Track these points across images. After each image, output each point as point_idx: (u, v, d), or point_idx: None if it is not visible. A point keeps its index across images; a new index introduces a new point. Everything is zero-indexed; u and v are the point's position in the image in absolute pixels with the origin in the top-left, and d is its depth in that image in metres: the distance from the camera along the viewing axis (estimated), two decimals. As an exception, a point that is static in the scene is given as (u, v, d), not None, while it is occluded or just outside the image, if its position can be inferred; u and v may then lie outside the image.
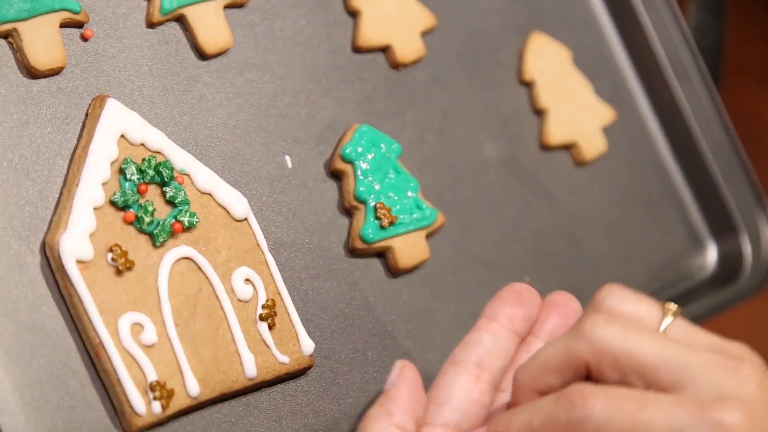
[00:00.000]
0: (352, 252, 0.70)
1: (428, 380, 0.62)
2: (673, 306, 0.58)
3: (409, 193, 0.71)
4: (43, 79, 0.64)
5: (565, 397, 0.55)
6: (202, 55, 0.68)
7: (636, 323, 0.57)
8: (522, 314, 0.61)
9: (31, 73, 0.63)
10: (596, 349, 0.56)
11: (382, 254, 0.71)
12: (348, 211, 0.70)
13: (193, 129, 0.67)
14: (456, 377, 0.60)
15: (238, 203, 0.66)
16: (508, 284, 0.62)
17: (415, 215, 0.71)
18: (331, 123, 0.71)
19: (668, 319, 0.57)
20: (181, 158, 0.65)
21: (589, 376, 0.57)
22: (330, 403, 0.67)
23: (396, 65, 0.74)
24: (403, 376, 0.59)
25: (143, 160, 0.64)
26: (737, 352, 0.56)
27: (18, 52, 0.63)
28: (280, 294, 0.67)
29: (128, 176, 0.63)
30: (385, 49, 0.74)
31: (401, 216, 0.70)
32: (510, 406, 0.60)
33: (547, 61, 0.79)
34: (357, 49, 0.73)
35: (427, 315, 0.71)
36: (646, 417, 0.54)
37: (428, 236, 0.72)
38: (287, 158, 0.69)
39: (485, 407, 0.60)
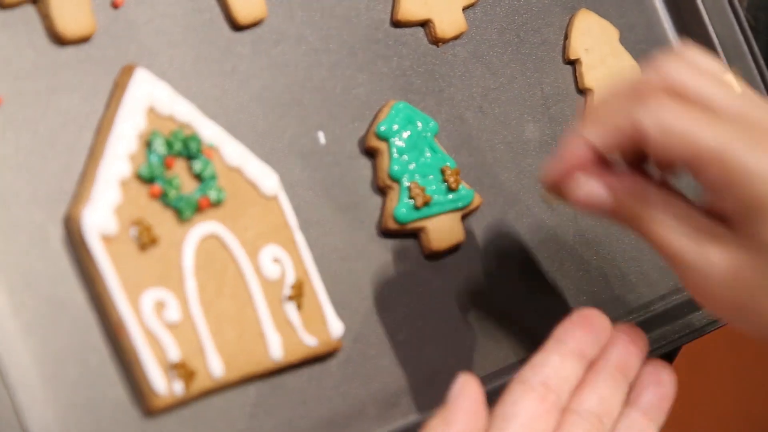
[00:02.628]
0: (385, 232, 0.68)
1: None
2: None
3: (446, 173, 0.69)
4: (71, 47, 0.62)
5: (638, 95, 0.58)
6: (236, 26, 0.66)
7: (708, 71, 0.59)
8: (590, 338, 0.62)
9: (59, 40, 0.62)
10: (668, 81, 0.58)
11: (416, 235, 0.69)
12: (381, 190, 0.69)
13: (224, 102, 0.65)
14: (522, 395, 0.60)
15: (267, 179, 0.64)
16: (578, 309, 0.62)
17: (450, 196, 0.69)
18: (366, 99, 0.69)
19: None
20: (210, 131, 0.64)
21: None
22: (357, 387, 0.66)
23: (436, 41, 0.72)
24: (466, 390, 0.58)
25: (171, 132, 0.62)
26: None
27: (46, 18, 0.62)
28: (308, 274, 0.65)
29: (155, 149, 0.62)
30: (424, 24, 0.72)
31: (436, 196, 0.69)
32: None
33: (594, 40, 0.77)
34: (396, 23, 0.71)
35: (461, 299, 0.70)
36: (699, 133, 0.57)
37: (464, 218, 0.70)
38: (320, 134, 0.68)
39: (549, 428, 0.59)
